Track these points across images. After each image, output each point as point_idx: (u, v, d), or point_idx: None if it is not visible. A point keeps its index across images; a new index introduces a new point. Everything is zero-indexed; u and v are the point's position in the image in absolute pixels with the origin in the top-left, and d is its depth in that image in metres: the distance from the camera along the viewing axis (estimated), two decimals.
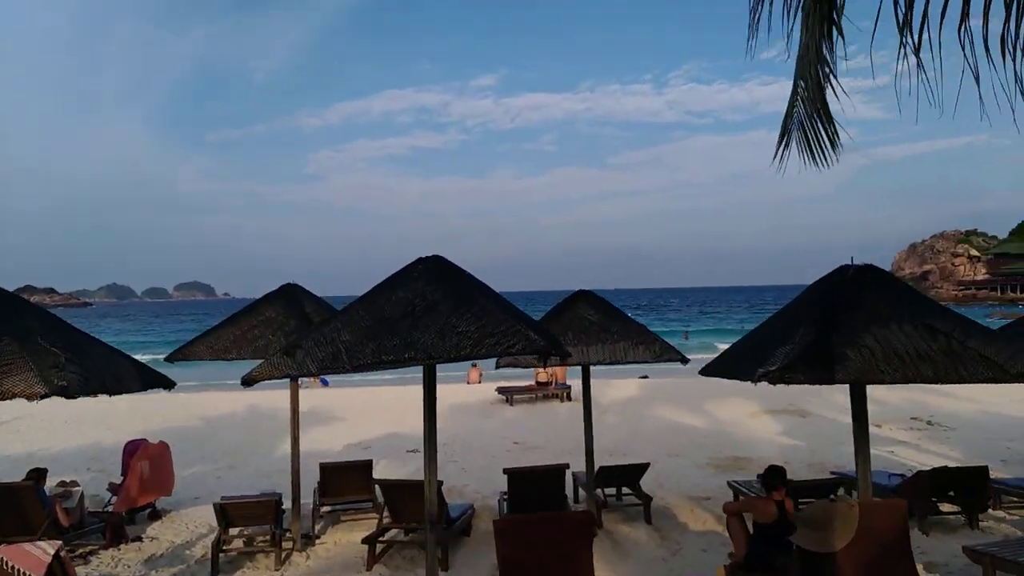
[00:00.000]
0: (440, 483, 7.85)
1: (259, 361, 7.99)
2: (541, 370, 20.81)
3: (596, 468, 8.92)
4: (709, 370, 6.17)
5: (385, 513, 8.15)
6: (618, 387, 23.33)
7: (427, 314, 4.88)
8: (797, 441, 14.51)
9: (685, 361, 7.76)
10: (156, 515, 10.09)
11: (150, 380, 5.79)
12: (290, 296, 8.17)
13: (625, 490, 9.83)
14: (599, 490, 9.14)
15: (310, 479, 12.45)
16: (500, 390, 21.43)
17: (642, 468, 9.32)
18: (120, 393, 5.30)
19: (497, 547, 5.08)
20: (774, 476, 6.01)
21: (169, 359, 7.60)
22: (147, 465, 9.93)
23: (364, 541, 7.68)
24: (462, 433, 16.64)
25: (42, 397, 4.49)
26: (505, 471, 8.19)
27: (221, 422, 19.49)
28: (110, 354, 5.64)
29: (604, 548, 8.05)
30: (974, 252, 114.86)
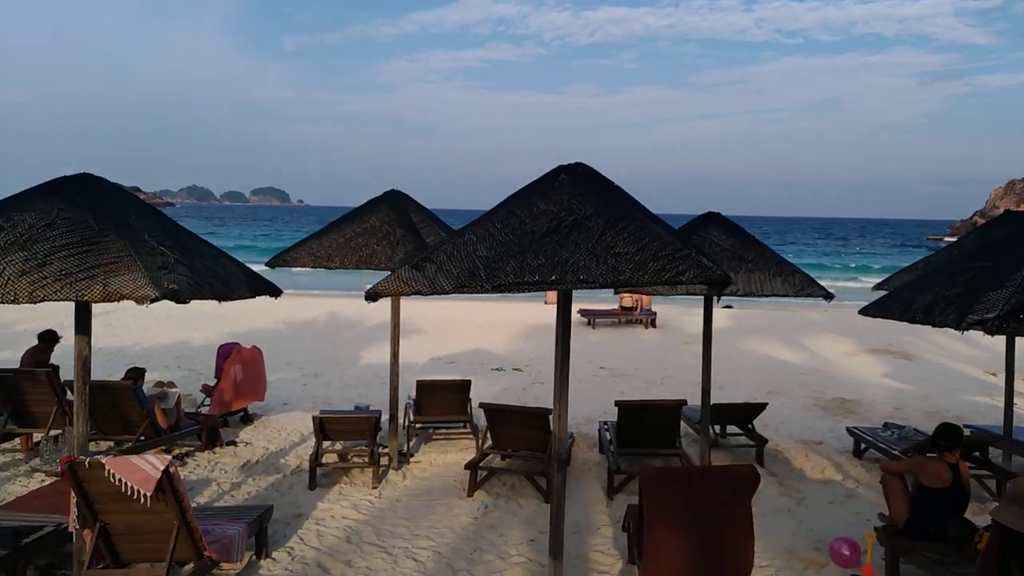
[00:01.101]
0: (549, 411, 7.37)
1: (363, 271, 7.63)
2: (626, 295, 20.13)
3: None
4: (874, 310, 5.38)
5: (486, 437, 7.74)
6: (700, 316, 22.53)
7: (576, 230, 4.22)
8: (906, 385, 13.57)
9: (829, 297, 6.95)
10: (248, 419, 10.01)
11: (258, 287, 5.35)
12: (394, 203, 7.63)
13: (732, 429, 9.22)
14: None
15: (400, 394, 12.32)
16: (582, 312, 20.88)
17: (758, 408, 8.67)
18: (229, 299, 4.87)
19: (642, 501, 4.54)
20: (949, 435, 5.26)
21: (270, 264, 7.20)
22: (240, 369, 9.78)
23: (467, 466, 7.31)
24: (546, 354, 16.23)
25: (152, 301, 4.06)
26: (617, 403, 7.65)
27: (304, 328, 19.58)
28: (217, 256, 5.20)
29: None
30: None
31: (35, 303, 4.09)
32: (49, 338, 9.21)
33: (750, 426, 8.73)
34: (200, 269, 4.70)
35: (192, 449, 8.52)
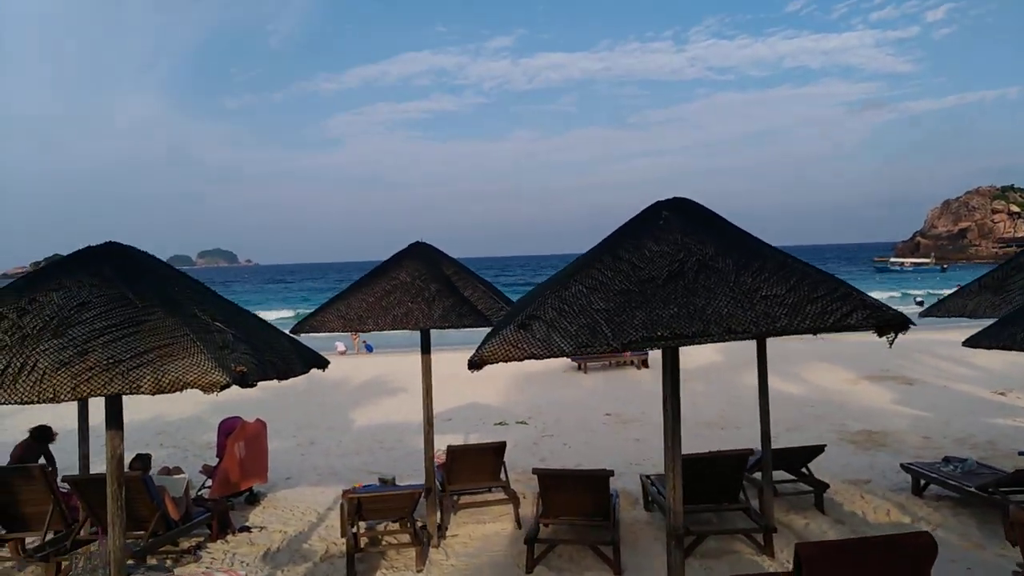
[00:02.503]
0: (611, 473, 6.77)
1: (399, 331, 6.99)
2: None
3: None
4: (987, 341, 4.97)
5: (537, 505, 7.07)
6: (692, 350, 22.15)
7: (704, 273, 3.72)
8: (922, 412, 13.30)
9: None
10: (255, 500, 9.15)
11: (308, 359, 4.69)
12: (422, 256, 7.04)
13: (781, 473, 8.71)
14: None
15: (406, 457, 11.54)
16: (573, 357, 20.32)
17: (816, 450, 8.18)
18: (288, 377, 4.21)
19: None
20: None
21: (295, 332, 6.50)
22: (243, 446, 8.97)
23: (527, 540, 6.62)
24: (545, 404, 15.62)
25: (222, 388, 3.40)
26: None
27: (284, 393, 18.39)
28: (266, 329, 4.55)
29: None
30: (1015, 208, 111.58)
31: (80, 399, 3.40)
32: (43, 436, 8.24)
33: (805, 470, 8.24)
34: (259, 346, 4.04)
35: (203, 539, 7.66)
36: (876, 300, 3.47)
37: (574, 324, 3.61)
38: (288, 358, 4.33)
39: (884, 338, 3.40)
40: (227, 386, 3.42)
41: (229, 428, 9.06)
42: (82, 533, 6.90)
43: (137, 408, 16.27)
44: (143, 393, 3.41)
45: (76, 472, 7.22)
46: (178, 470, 7.77)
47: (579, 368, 20.03)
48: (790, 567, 6.53)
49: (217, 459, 9.09)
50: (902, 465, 8.68)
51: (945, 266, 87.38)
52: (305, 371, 4.54)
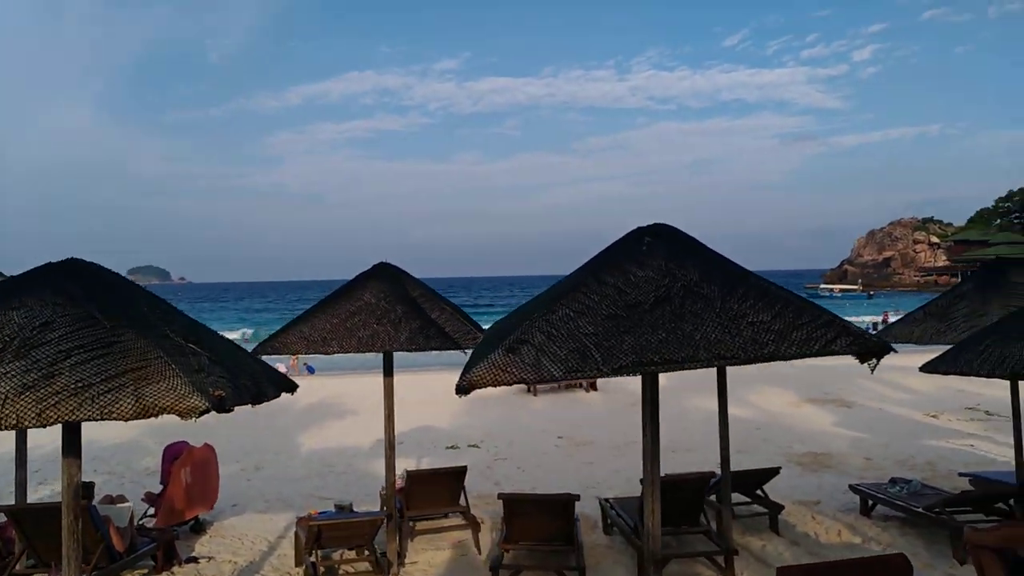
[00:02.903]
0: (577, 497, 6.73)
1: (365, 354, 6.83)
2: None
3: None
4: (944, 367, 5.14)
5: (502, 530, 6.98)
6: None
7: (689, 299, 3.75)
8: (861, 434, 13.69)
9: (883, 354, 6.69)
10: (200, 528, 8.80)
11: (279, 383, 4.54)
12: (388, 277, 6.93)
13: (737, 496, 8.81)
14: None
15: (357, 482, 11.28)
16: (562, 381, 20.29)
17: (771, 473, 8.31)
18: (261, 402, 4.07)
19: None
20: None
21: (256, 353, 6.30)
22: (189, 472, 8.62)
23: (492, 568, 6.52)
24: (496, 428, 15.52)
25: (201, 414, 3.25)
26: (643, 481, 7.07)
27: (225, 415, 17.97)
28: (234, 350, 4.39)
29: (755, 571, 7.04)
30: (934, 239, 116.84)
31: (45, 426, 3.20)
32: None
33: (760, 492, 8.36)
34: (232, 368, 3.90)
35: (147, 572, 7.31)
36: (858, 328, 3.55)
37: (563, 348, 3.59)
38: (260, 381, 4.18)
39: (866, 364, 3.47)
40: (206, 411, 3.28)
41: (175, 453, 8.71)
42: (17, 567, 6.50)
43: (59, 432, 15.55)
44: (116, 419, 3.23)
45: (10, 502, 6.83)
46: (122, 498, 7.43)
47: (528, 391, 20.00)
48: None
49: (161, 486, 8.72)
50: (851, 487, 8.90)
51: (872, 293, 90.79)
52: (277, 395, 4.38)
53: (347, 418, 17.29)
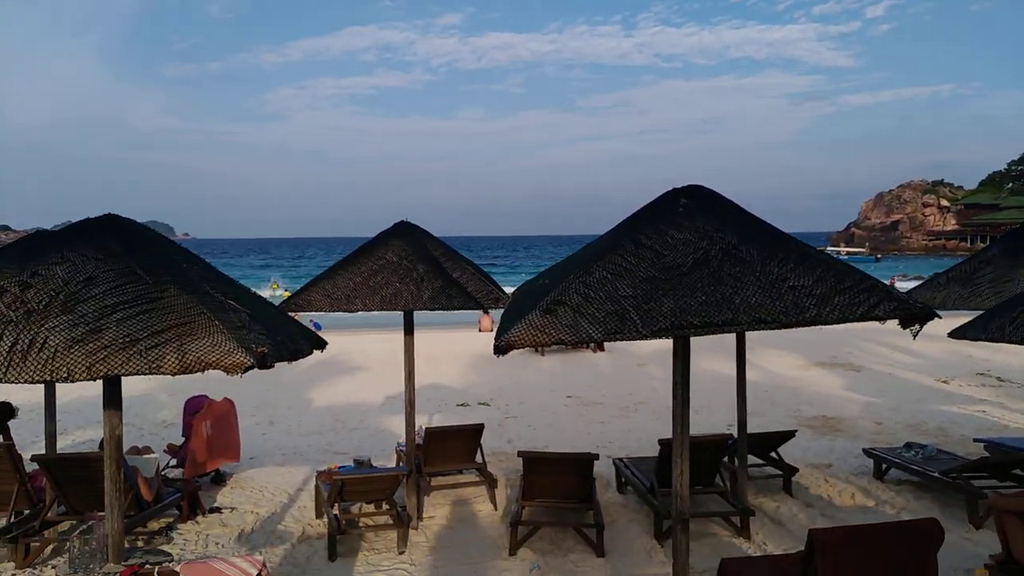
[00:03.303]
0: (596, 457, 6.82)
1: (390, 313, 6.86)
2: None
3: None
4: (973, 333, 5.15)
5: (521, 487, 7.08)
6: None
7: (728, 262, 3.75)
8: (872, 398, 13.76)
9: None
10: (221, 480, 8.96)
11: (312, 340, 4.57)
12: (408, 236, 6.93)
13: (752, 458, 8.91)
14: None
15: (369, 439, 11.42)
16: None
17: (788, 435, 8.40)
18: (297, 359, 4.10)
19: (820, 567, 4.01)
20: None
21: (283, 309, 6.33)
22: (209, 425, 8.73)
23: (512, 523, 6.64)
24: (505, 386, 15.63)
25: (245, 370, 3.28)
26: (660, 441, 7.16)
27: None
28: (269, 308, 4.42)
29: (769, 531, 7.15)
30: (944, 202, 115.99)
31: (95, 380, 3.25)
32: (4, 413, 7.88)
33: (774, 455, 8.45)
34: (270, 326, 3.93)
35: (172, 520, 7.46)
36: (901, 293, 3.56)
37: (601, 310, 3.60)
38: (295, 339, 4.22)
39: (908, 329, 3.48)
40: (251, 367, 3.32)
41: (195, 407, 8.82)
42: (49, 515, 6.63)
43: (84, 385, 15.71)
44: (164, 373, 3.27)
45: (41, 451, 6.93)
46: (148, 450, 7.55)
47: (536, 350, 20.11)
48: (768, 548, 6.75)
49: (183, 438, 8.85)
50: (864, 450, 8.99)
51: (879, 256, 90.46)
52: (310, 352, 4.43)
53: (356, 375, 17.42)
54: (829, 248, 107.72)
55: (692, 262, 3.77)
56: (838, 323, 3.46)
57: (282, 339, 3.95)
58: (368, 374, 17.54)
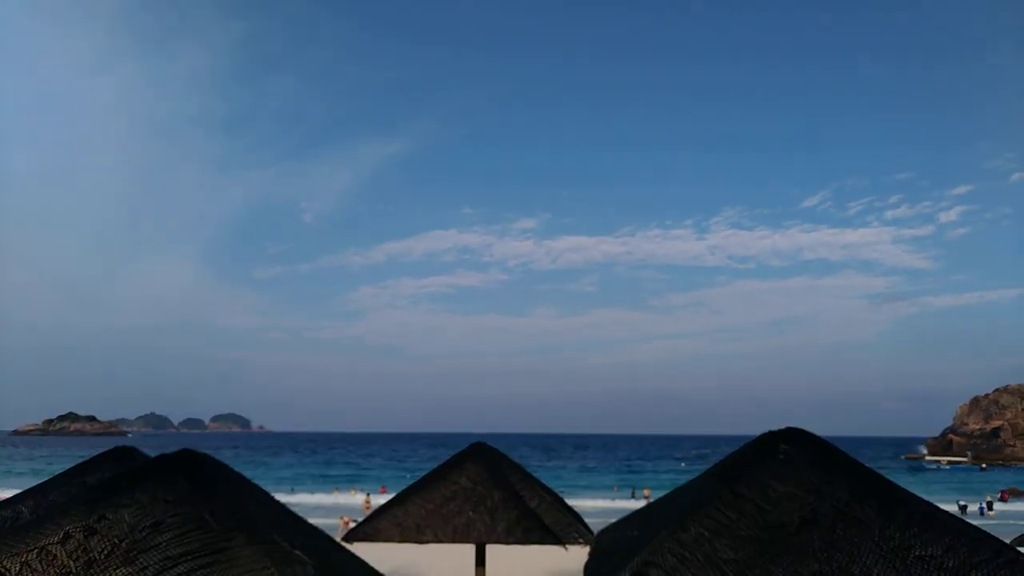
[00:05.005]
0: None
1: (461, 546, 6.51)
2: None
3: None
4: None
5: None
6: None
7: (841, 523, 3.36)
8: None
9: None
10: None
11: None
12: (484, 459, 6.69)
13: None
14: None
15: None
16: None
17: None
18: None
19: None
20: None
21: (348, 539, 6.06)
22: None
23: None
24: None
25: None
26: None
27: None
28: (336, 551, 4.17)
29: None
30: None
31: None
32: None
33: None
34: (330, 570, 3.66)
35: None
36: None
37: None
38: None
39: None
40: None
41: None
42: None
43: None
44: None
45: None
46: None
47: None
48: None
49: None
50: None
51: (983, 466, 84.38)
52: None
53: None
54: (927, 456, 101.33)
55: (799, 520, 3.40)
56: None
57: None
58: None
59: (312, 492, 48.86)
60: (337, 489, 51.70)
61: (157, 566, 3.21)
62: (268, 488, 4.44)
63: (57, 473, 7.08)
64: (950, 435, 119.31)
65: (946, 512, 3.50)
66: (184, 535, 3.38)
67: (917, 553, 3.15)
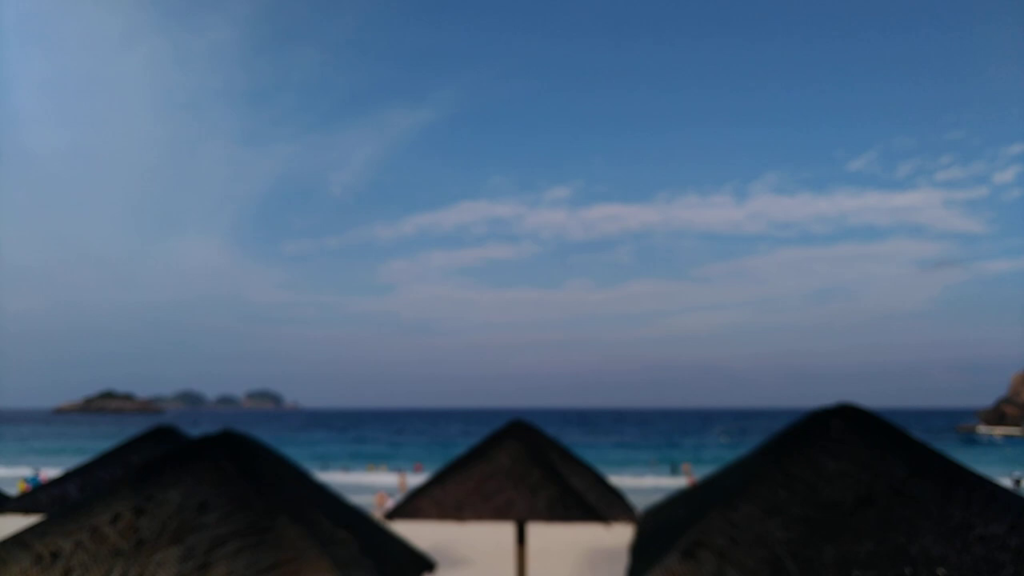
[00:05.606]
0: None
1: (500, 525, 6.50)
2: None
3: None
4: None
5: None
6: None
7: (899, 501, 3.26)
8: None
9: None
10: None
11: (421, 564, 4.26)
12: (525, 438, 6.66)
13: None
14: None
15: None
16: None
17: None
18: None
19: None
20: None
21: (389, 518, 6.09)
22: None
23: None
24: None
25: None
26: None
27: None
28: (378, 531, 4.17)
29: None
30: None
31: None
32: None
33: None
34: (379, 556, 3.65)
35: None
36: None
37: (751, 557, 3.15)
38: (404, 566, 3.91)
39: None
40: None
41: None
42: None
43: None
44: None
45: None
46: None
47: None
48: None
49: None
50: None
51: None
52: None
53: (461, 569, 16.63)
54: (981, 428, 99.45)
55: (854, 499, 3.30)
56: None
57: (391, 570, 3.65)
58: (471, 569, 16.72)
59: (348, 470, 49.30)
60: (372, 466, 52.12)
61: (205, 546, 3.22)
62: (302, 466, 4.46)
63: (100, 452, 7.21)
64: (1003, 406, 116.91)
65: (1007, 490, 3.38)
66: (230, 515, 3.39)
67: (979, 532, 3.04)
